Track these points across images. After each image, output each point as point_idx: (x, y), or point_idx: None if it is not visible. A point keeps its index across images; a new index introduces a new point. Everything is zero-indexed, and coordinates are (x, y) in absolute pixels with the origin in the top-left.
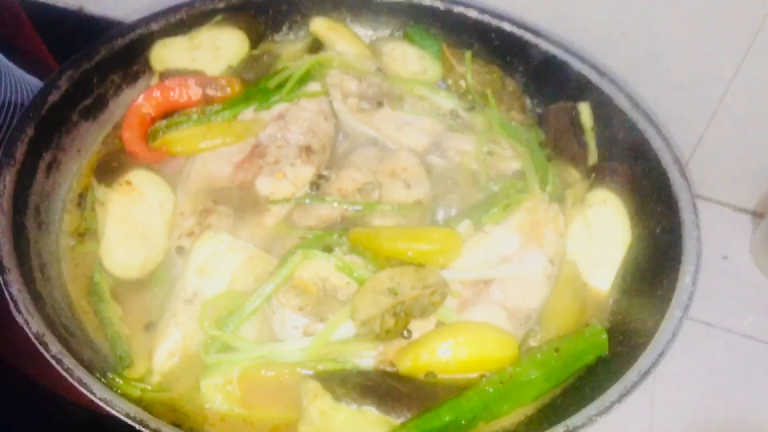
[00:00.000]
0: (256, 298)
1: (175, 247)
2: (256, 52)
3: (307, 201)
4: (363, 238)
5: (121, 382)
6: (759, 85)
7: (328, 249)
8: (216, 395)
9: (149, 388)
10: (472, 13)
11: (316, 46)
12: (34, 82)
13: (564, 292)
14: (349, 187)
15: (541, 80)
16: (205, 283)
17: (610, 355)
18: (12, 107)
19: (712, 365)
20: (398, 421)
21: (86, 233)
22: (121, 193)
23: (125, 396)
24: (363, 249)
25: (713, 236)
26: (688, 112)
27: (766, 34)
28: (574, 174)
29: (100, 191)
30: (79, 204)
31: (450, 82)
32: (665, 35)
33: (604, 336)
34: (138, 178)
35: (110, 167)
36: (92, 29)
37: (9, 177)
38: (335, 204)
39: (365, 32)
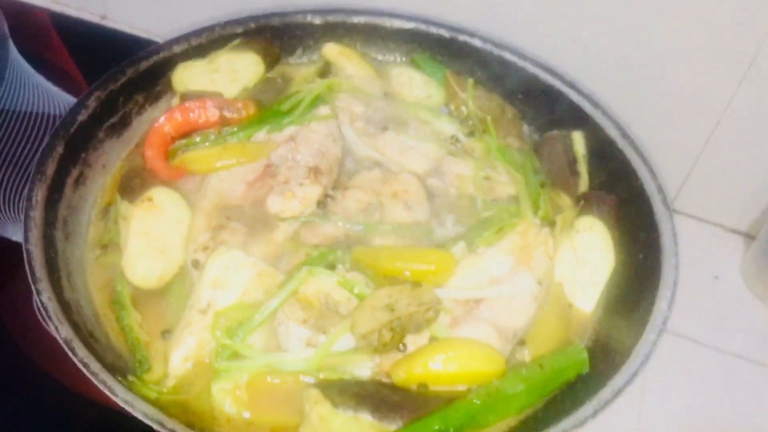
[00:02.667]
0: (264, 311)
1: (191, 261)
2: (270, 74)
3: (315, 219)
4: (364, 257)
5: (139, 384)
6: (753, 111)
7: (331, 266)
8: (225, 399)
9: (165, 390)
10: (476, 42)
11: (327, 69)
12: (61, 95)
13: (550, 312)
14: (353, 207)
15: (538, 109)
16: (218, 295)
17: (590, 373)
18: (40, 119)
19: (699, 382)
20: (391, 428)
21: (109, 245)
22: (143, 209)
23: (143, 397)
24: (364, 267)
25: (705, 256)
26: (684, 135)
27: (761, 61)
28: (565, 200)
29: (123, 207)
30: (103, 217)
31: (452, 107)
32: (663, 62)
33: (585, 355)
34: (159, 195)
35: (133, 184)
36: (113, 40)
37: (41, 192)
38: (339, 223)
39: (374, 58)
